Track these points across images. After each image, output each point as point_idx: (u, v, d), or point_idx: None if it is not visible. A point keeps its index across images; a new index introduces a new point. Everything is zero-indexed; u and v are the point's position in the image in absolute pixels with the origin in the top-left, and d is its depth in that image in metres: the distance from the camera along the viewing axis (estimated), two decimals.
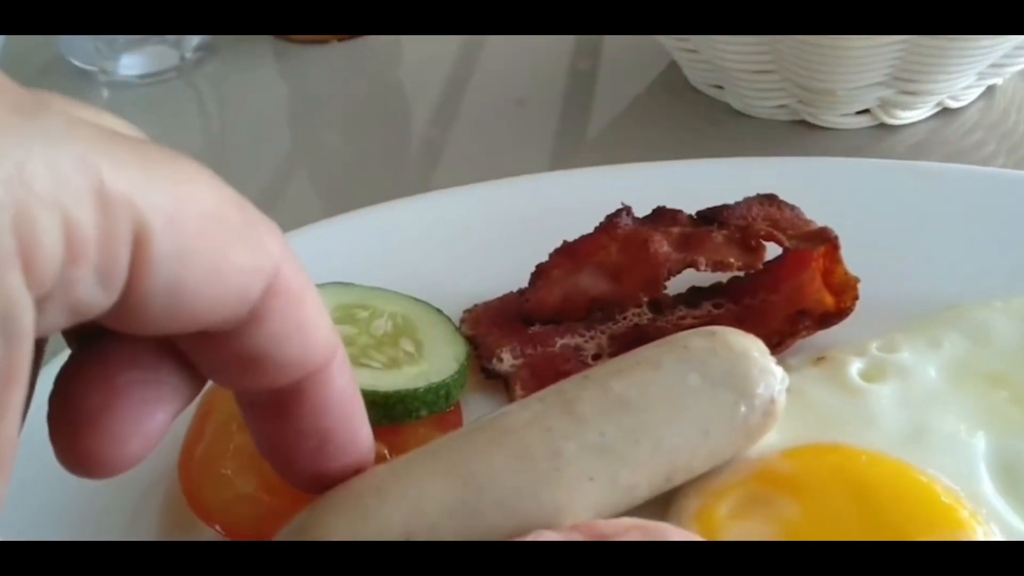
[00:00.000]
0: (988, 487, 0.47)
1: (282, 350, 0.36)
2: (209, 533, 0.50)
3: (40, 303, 0.28)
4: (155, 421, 0.38)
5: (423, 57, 1.01)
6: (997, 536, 0.44)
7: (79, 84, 0.97)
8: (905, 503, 0.46)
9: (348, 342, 0.54)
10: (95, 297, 0.29)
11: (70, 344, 0.40)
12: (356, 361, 0.53)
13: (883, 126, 0.81)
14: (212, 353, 0.36)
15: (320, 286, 0.57)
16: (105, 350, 0.38)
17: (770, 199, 0.58)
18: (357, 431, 0.42)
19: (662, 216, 0.57)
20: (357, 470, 0.43)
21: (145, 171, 0.30)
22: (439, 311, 0.58)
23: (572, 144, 0.89)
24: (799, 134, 0.82)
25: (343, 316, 0.55)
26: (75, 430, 0.38)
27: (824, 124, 0.81)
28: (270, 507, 0.48)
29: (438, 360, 0.55)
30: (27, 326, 0.27)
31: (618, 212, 0.56)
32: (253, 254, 0.34)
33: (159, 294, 0.31)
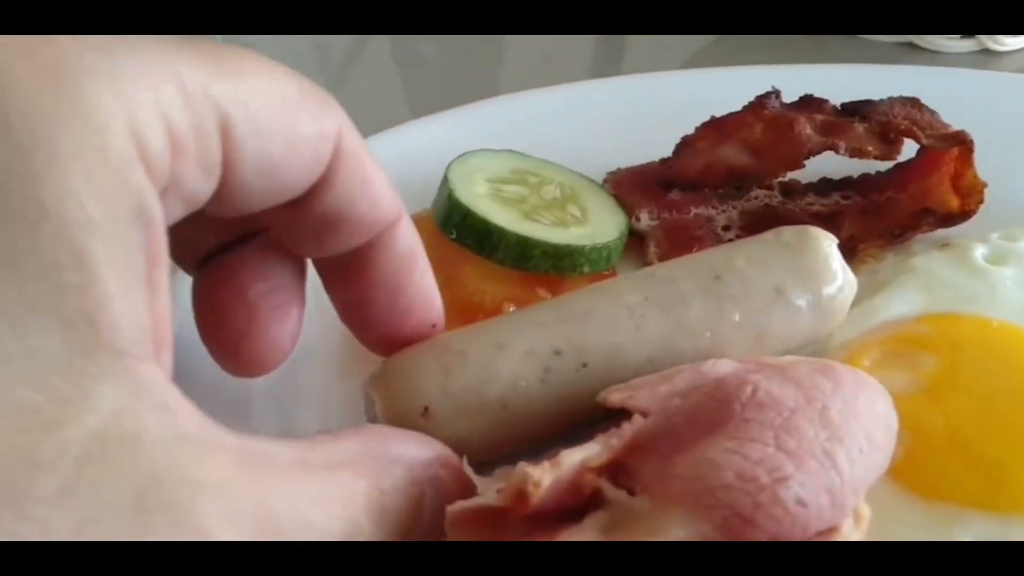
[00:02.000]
0: None
1: (354, 207, 0.41)
2: None
3: (160, 196, 0.32)
4: (293, 317, 0.46)
5: None
6: None
7: None
8: None
9: (520, 201, 0.59)
10: (200, 185, 0.35)
11: (189, 271, 0.46)
12: (528, 217, 0.58)
13: (987, 52, 0.85)
14: (296, 223, 0.42)
15: (496, 151, 0.62)
16: (226, 272, 0.45)
17: (912, 101, 0.62)
18: (426, 289, 0.47)
19: (808, 103, 0.61)
20: (428, 332, 0.47)
21: (217, 69, 0.35)
22: (602, 186, 0.63)
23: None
24: (906, 57, 0.86)
25: (516, 178, 0.60)
26: (233, 345, 0.45)
27: (931, 47, 0.85)
28: None
29: (602, 226, 0.60)
30: (159, 214, 0.32)
31: (767, 94, 0.61)
32: (317, 123, 0.38)
33: (251, 173, 0.36)
